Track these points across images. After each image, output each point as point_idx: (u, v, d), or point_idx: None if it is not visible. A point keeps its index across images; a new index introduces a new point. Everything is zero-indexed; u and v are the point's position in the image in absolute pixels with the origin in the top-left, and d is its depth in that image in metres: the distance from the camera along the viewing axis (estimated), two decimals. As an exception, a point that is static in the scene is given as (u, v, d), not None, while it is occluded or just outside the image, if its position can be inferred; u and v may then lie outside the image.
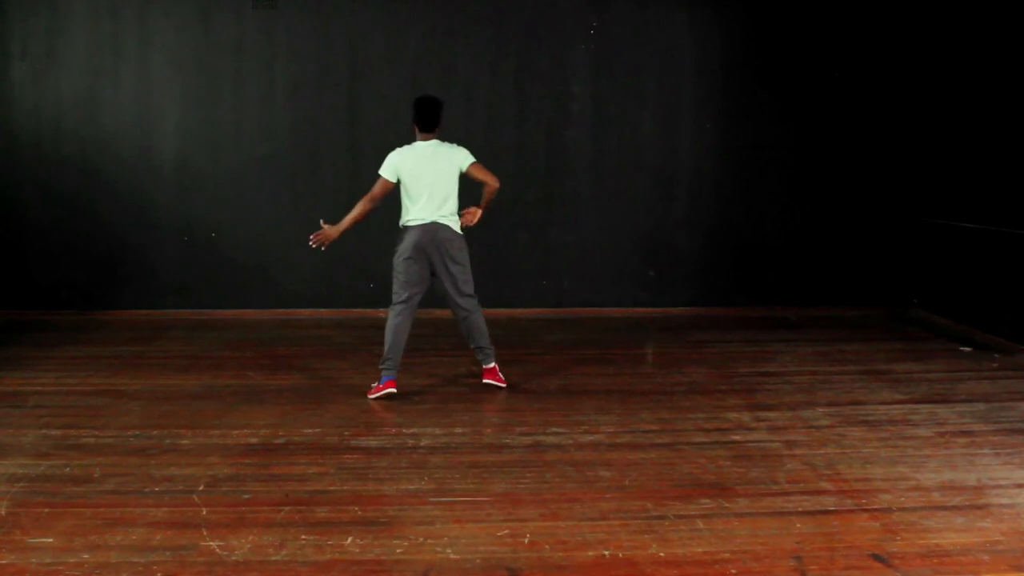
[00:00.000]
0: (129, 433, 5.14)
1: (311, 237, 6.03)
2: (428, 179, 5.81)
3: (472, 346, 6.10)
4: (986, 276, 7.80)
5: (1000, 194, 7.59)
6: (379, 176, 5.93)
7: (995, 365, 6.95)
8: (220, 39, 8.56)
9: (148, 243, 8.63)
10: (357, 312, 8.77)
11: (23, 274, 8.54)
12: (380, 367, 5.92)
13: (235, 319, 8.54)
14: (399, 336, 5.88)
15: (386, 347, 5.88)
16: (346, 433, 5.19)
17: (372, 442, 5.05)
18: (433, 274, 5.93)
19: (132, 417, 5.47)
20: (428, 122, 5.89)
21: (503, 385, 6.12)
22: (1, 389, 6.07)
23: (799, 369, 6.83)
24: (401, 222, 5.98)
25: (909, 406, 5.81)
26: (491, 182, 5.87)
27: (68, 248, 8.55)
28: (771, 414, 5.63)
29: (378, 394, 5.86)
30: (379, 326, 8.29)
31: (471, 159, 5.88)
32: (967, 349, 7.45)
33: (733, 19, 8.91)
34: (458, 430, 5.31)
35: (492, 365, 6.13)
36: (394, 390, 5.86)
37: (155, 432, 5.16)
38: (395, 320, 5.91)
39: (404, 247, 5.89)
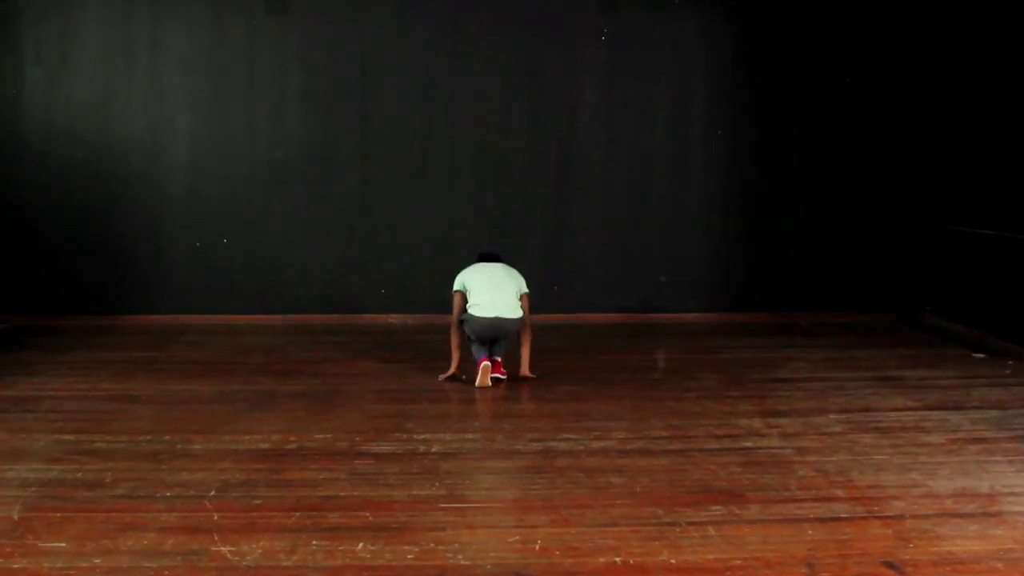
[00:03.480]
0: (141, 438, 5.16)
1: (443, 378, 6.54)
2: (493, 282, 6.41)
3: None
4: (1000, 282, 7.75)
5: (1013, 200, 7.55)
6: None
7: (1008, 372, 6.92)
8: (232, 45, 8.59)
9: (160, 248, 8.66)
10: (368, 318, 8.78)
11: (35, 279, 8.58)
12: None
13: (246, 324, 8.56)
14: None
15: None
16: (357, 438, 5.19)
17: (383, 448, 5.05)
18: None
19: (144, 422, 5.49)
20: (490, 258, 6.68)
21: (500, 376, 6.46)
22: (14, 394, 6.09)
23: (811, 375, 6.81)
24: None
25: (922, 413, 5.79)
26: (528, 323, 6.46)
27: (80, 253, 8.58)
28: (783, 420, 5.61)
29: (479, 375, 6.29)
30: (390, 332, 8.37)
31: (526, 288, 6.53)
32: (980, 355, 7.41)
33: (743, 25, 8.89)
34: (469, 436, 5.32)
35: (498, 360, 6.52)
36: (488, 363, 6.31)
37: (167, 437, 5.17)
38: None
39: (471, 332, 6.39)
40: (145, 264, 8.67)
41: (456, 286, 6.50)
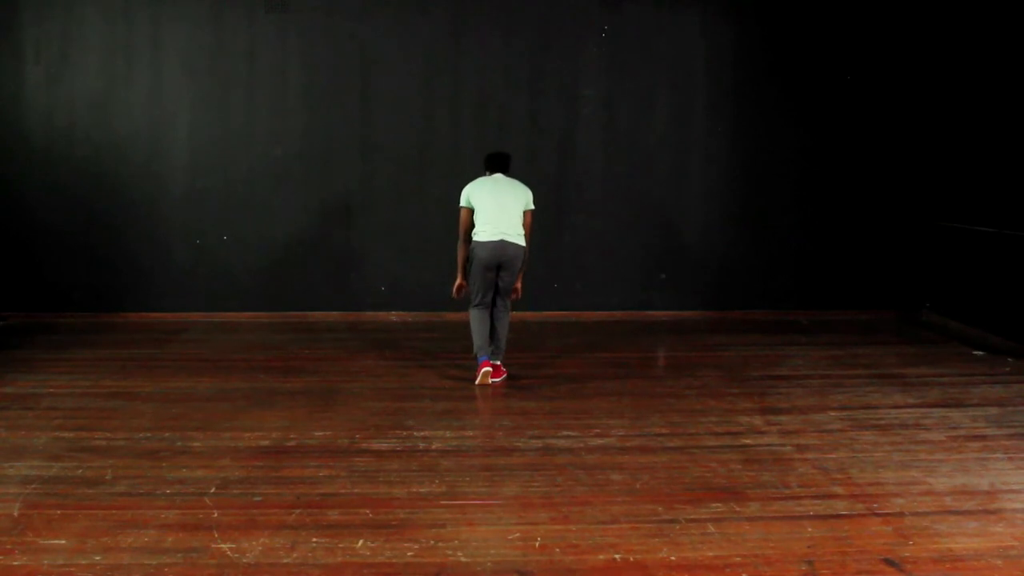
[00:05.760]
0: (141, 435, 5.16)
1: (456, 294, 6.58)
2: (499, 204, 6.33)
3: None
4: (999, 280, 7.76)
5: (1013, 197, 7.55)
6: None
7: (1008, 369, 6.93)
8: (232, 43, 8.59)
9: (160, 246, 8.66)
10: (368, 315, 8.79)
11: (36, 277, 8.58)
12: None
13: (247, 322, 8.56)
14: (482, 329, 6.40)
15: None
16: (357, 436, 5.20)
17: (383, 445, 5.05)
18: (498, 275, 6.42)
19: (144, 419, 5.49)
20: (498, 167, 6.59)
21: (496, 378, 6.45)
22: (14, 391, 6.10)
23: (811, 373, 6.81)
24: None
25: (921, 410, 5.79)
26: (527, 241, 6.45)
27: (81, 251, 8.59)
28: (782, 418, 5.61)
29: (479, 376, 6.29)
30: (390, 329, 8.37)
31: (532, 205, 6.51)
32: (980, 353, 7.42)
33: (744, 22, 8.89)
34: (469, 433, 5.32)
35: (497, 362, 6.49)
36: (489, 368, 6.30)
37: (167, 434, 5.18)
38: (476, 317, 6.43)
39: (476, 262, 6.33)
40: (145, 262, 8.67)
41: (462, 201, 6.42)
